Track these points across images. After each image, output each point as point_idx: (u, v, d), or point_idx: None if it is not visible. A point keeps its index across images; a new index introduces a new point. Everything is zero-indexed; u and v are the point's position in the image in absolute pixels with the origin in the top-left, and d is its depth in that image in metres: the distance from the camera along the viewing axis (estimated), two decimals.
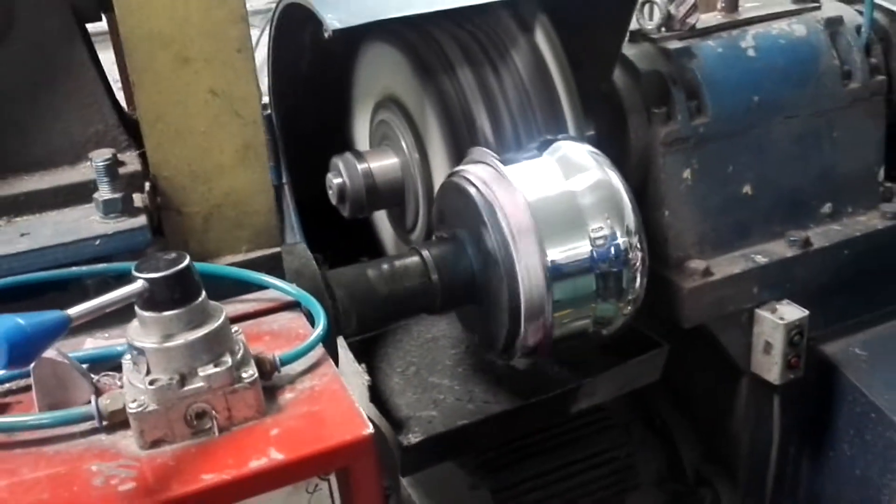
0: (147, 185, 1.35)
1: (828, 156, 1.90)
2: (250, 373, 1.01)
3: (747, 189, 1.84)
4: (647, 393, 1.99)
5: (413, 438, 1.79)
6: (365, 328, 1.46)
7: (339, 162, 1.70)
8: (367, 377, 1.81)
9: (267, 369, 1.06)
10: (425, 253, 1.43)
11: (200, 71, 1.33)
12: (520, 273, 1.33)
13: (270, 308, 1.25)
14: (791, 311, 1.84)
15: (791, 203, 1.89)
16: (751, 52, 1.84)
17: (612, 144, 1.76)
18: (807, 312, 1.83)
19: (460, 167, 1.44)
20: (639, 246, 1.36)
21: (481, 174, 1.39)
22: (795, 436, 1.99)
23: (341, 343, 1.47)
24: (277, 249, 1.41)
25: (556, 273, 1.34)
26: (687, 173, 1.78)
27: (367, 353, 1.96)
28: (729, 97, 1.80)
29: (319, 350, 1.13)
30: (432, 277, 1.41)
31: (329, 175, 1.73)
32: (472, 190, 1.38)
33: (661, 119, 1.76)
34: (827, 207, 1.92)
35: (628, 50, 1.81)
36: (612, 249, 1.35)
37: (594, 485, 2.02)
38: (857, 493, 1.90)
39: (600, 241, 1.35)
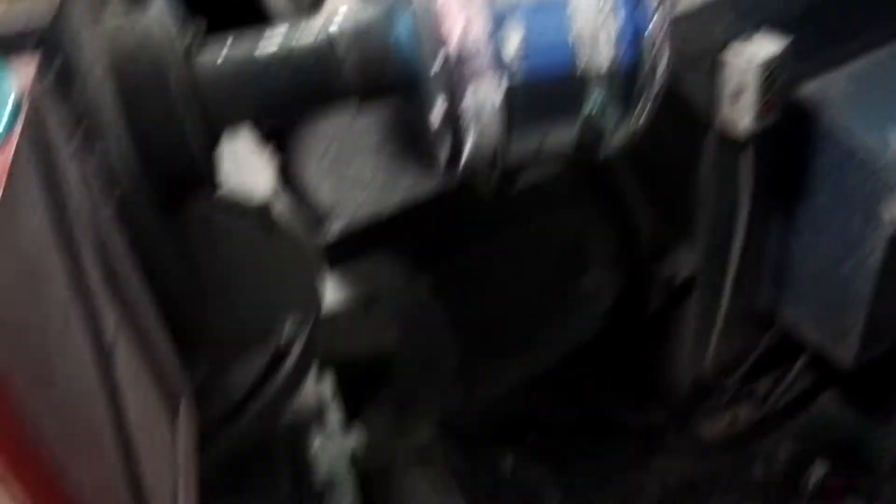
0: None
1: None
2: None
3: None
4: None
5: (338, 227, 1.55)
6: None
7: None
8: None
9: None
10: (337, 18, 0.99)
11: None
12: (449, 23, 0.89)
13: None
14: (765, 47, 1.54)
15: None
16: None
17: None
18: (783, 46, 1.54)
19: None
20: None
21: None
22: (765, 192, 1.77)
23: None
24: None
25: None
26: None
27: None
28: None
29: None
30: (338, 54, 0.98)
31: None
32: None
33: None
34: None
35: None
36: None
37: (541, 265, 1.81)
38: (834, 246, 1.72)
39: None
